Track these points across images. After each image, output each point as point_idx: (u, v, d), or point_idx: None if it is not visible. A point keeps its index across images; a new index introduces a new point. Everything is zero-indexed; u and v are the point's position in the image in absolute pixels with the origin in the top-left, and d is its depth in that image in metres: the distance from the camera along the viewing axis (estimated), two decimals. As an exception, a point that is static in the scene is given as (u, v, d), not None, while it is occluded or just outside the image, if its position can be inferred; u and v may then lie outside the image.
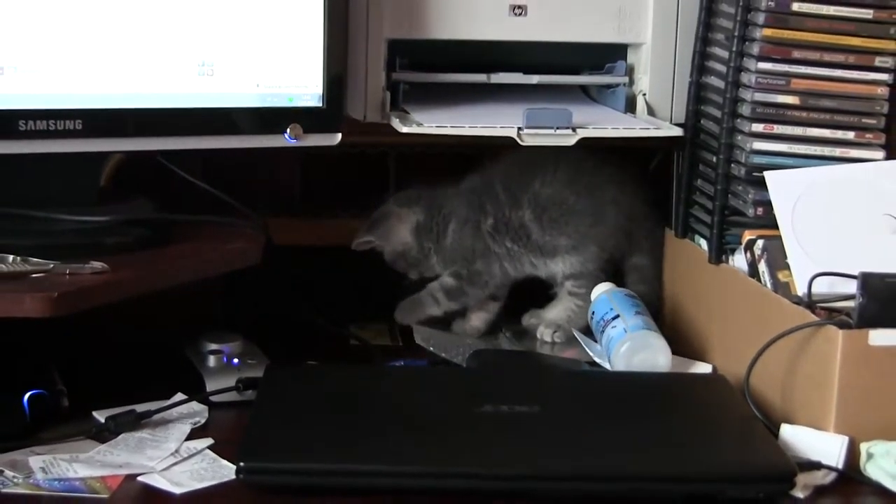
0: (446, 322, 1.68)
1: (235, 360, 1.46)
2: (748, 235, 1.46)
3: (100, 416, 1.32)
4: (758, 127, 1.47)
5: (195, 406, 1.37)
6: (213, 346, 1.46)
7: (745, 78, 1.47)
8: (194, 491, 1.19)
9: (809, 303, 1.33)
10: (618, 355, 1.46)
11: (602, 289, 1.59)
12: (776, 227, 1.43)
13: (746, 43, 1.47)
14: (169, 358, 1.48)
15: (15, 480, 1.19)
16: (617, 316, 1.51)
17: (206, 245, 1.46)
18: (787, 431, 1.29)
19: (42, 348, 1.43)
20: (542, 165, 1.64)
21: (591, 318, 1.57)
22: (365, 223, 1.65)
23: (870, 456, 1.24)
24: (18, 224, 1.37)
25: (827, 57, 1.46)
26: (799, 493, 1.20)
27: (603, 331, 1.52)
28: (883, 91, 1.47)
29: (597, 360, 1.53)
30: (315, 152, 1.52)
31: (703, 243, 1.56)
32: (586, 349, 1.56)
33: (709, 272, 1.53)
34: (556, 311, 1.66)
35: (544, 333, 1.63)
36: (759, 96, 1.46)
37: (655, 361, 1.46)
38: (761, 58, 1.46)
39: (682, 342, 1.55)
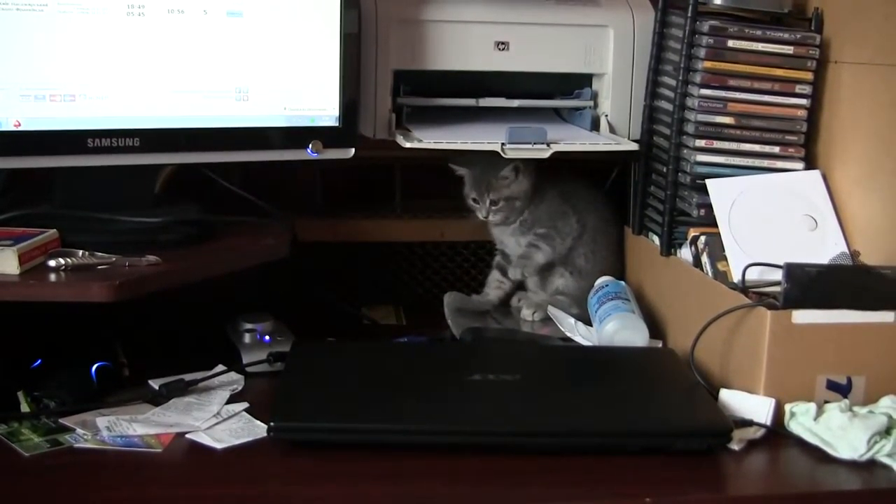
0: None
1: (267, 337, 1.46)
2: (693, 232, 1.46)
3: (154, 383, 1.33)
4: (700, 142, 1.47)
5: (233, 375, 1.37)
6: (248, 326, 1.46)
7: (690, 102, 1.47)
8: (233, 446, 1.19)
9: (743, 288, 1.33)
10: (605, 328, 1.45)
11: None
12: (716, 225, 1.43)
13: (691, 73, 1.47)
14: (211, 335, 1.48)
15: (85, 437, 1.20)
16: (621, 298, 1.49)
17: (242, 241, 1.45)
18: (725, 395, 1.29)
19: (107, 327, 1.42)
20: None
21: (600, 289, 1.53)
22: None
23: (792, 414, 1.24)
24: (87, 224, 1.37)
25: (757, 85, 1.46)
26: (735, 446, 1.20)
27: (604, 303, 1.50)
28: (802, 113, 1.47)
29: (568, 334, 1.53)
30: (333, 164, 1.52)
31: (656, 239, 1.55)
32: (559, 327, 1.55)
33: (661, 263, 1.53)
34: (540, 297, 1.64)
35: (526, 314, 1.62)
36: (702, 117, 1.46)
37: (634, 340, 1.44)
38: (703, 85, 1.45)
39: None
